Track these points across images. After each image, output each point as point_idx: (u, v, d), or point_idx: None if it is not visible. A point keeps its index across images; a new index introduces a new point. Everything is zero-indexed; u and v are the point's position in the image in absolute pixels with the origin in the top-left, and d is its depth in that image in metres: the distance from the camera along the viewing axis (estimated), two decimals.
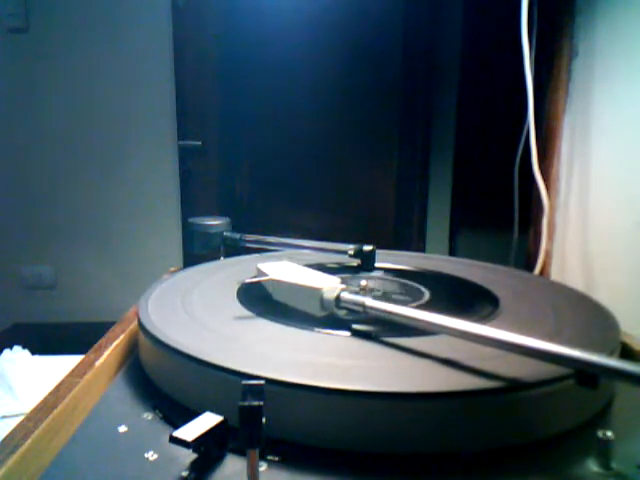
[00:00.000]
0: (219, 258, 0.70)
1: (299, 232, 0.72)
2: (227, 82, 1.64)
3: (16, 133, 1.69)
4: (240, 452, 0.32)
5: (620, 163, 0.71)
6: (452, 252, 1.73)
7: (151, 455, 0.33)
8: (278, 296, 0.47)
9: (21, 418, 0.34)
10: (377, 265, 0.62)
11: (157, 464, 0.32)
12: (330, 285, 0.43)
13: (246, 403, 0.27)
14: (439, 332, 0.38)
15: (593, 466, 0.31)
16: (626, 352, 0.45)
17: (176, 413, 0.37)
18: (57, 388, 0.39)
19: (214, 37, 1.61)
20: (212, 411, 0.32)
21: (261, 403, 0.27)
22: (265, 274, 0.48)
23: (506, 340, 0.34)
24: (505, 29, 0.83)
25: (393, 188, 1.72)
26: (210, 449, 0.31)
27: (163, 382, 0.40)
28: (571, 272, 0.79)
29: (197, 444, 0.30)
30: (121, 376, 0.45)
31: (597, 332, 0.42)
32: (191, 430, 0.30)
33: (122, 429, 0.36)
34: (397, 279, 0.58)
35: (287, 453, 0.32)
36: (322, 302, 0.42)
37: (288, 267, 0.50)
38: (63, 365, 0.74)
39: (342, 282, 0.44)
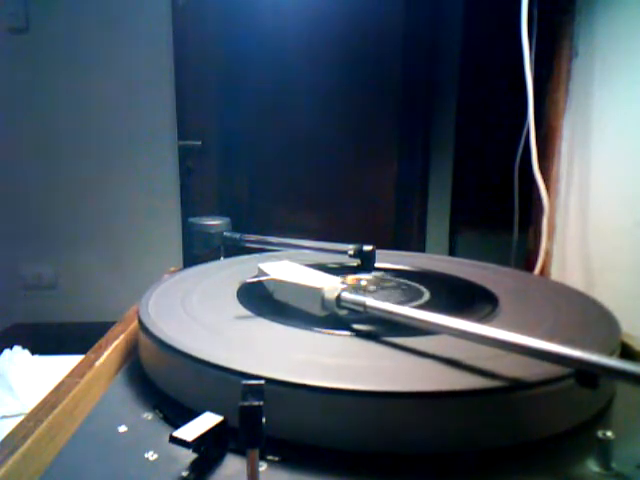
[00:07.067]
0: (219, 258, 0.70)
1: (299, 232, 0.72)
2: (227, 82, 1.64)
3: (15, 133, 1.69)
4: (240, 452, 0.32)
5: (620, 163, 0.71)
6: (452, 252, 1.73)
7: (151, 455, 0.33)
8: (279, 296, 0.47)
9: (21, 418, 0.34)
10: (377, 265, 0.62)
11: (157, 464, 0.32)
12: (331, 285, 0.43)
13: (246, 403, 0.27)
14: (439, 332, 0.38)
15: (593, 466, 0.31)
16: (626, 352, 0.45)
17: (176, 413, 0.37)
18: (57, 388, 0.39)
19: (214, 37, 1.61)
20: (212, 411, 0.32)
21: (261, 403, 0.27)
22: (266, 274, 0.48)
23: (506, 340, 0.34)
24: (505, 29, 0.83)
25: (393, 188, 1.72)
26: (210, 449, 0.31)
27: (163, 382, 0.40)
28: (571, 272, 0.79)
29: (197, 444, 0.30)
30: (121, 376, 0.45)
31: (597, 332, 0.42)
32: (191, 430, 0.30)
33: (122, 429, 0.36)
34: (397, 279, 0.58)
35: (287, 453, 0.32)
36: (323, 302, 0.42)
37: (289, 267, 0.50)
38: (63, 365, 0.74)
39: (342, 282, 0.44)
